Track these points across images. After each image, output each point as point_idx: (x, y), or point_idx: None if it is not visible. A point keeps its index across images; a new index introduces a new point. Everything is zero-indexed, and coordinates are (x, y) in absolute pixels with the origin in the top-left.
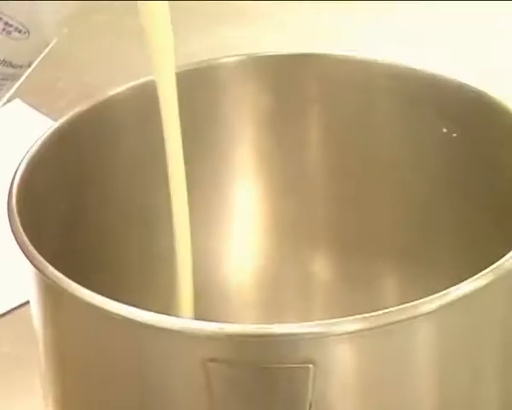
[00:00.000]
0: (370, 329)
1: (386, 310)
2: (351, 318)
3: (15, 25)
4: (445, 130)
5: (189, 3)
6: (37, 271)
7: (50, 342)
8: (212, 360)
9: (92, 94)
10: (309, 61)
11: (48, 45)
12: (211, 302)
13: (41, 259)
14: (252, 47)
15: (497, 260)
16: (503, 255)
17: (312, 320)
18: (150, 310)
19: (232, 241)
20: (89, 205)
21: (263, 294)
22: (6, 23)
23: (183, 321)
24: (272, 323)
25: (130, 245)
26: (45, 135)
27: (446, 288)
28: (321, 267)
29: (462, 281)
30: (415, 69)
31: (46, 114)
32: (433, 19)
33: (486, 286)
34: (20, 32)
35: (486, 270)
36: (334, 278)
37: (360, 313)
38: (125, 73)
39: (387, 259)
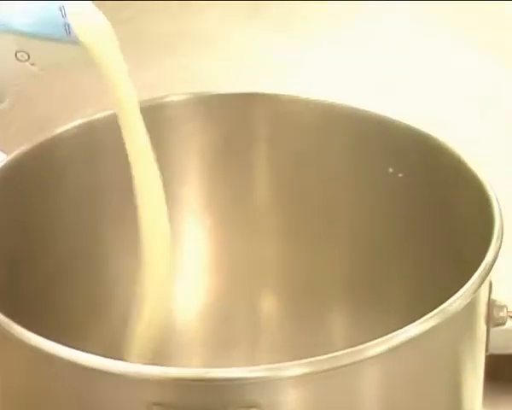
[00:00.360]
0: (316, 373)
1: (332, 354)
2: (297, 362)
3: None
4: (391, 170)
5: (136, 34)
6: None
7: None
8: (157, 404)
9: (40, 125)
10: (257, 101)
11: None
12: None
13: None
14: (198, 78)
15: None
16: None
17: (259, 362)
18: (96, 353)
19: (180, 279)
20: (35, 245)
21: (211, 333)
22: None
23: (128, 365)
24: (220, 363)
25: (77, 286)
26: None
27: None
28: (269, 307)
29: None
30: (362, 110)
31: None
32: (382, 61)
33: (432, 329)
34: None
35: (432, 313)
36: (282, 318)
37: (308, 355)
38: (74, 106)
39: (338, 299)
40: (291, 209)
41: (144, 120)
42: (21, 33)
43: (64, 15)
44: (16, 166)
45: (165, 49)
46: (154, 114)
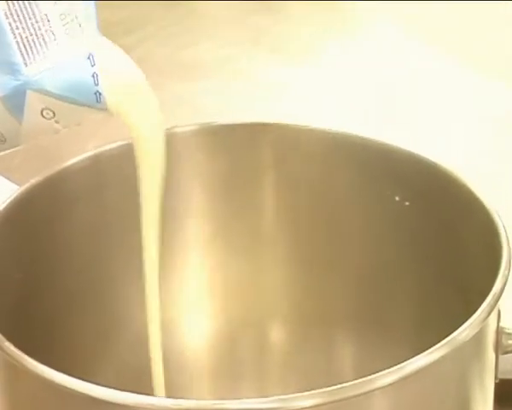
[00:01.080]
0: (326, 403)
1: (342, 385)
2: (308, 393)
3: None
4: (397, 198)
5: (138, 60)
6: None
7: None
8: None
9: (45, 156)
10: (263, 130)
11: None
12: (168, 373)
13: None
14: (198, 103)
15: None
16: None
17: (267, 391)
18: (103, 382)
19: (188, 310)
20: (43, 276)
21: (218, 361)
22: None
23: (139, 397)
24: (228, 392)
25: (84, 317)
26: (1, 206)
27: (405, 358)
28: (277, 335)
29: (422, 351)
30: (368, 139)
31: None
32: (381, 82)
33: (442, 359)
34: None
35: (441, 343)
36: (290, 347)
37: (316, 384)
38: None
39: (345, 327)
40: (298, 237)
41: None
42: (51, 94)
43: (96, 83)
44: (26, 198)
45: (167, 75)
46: None
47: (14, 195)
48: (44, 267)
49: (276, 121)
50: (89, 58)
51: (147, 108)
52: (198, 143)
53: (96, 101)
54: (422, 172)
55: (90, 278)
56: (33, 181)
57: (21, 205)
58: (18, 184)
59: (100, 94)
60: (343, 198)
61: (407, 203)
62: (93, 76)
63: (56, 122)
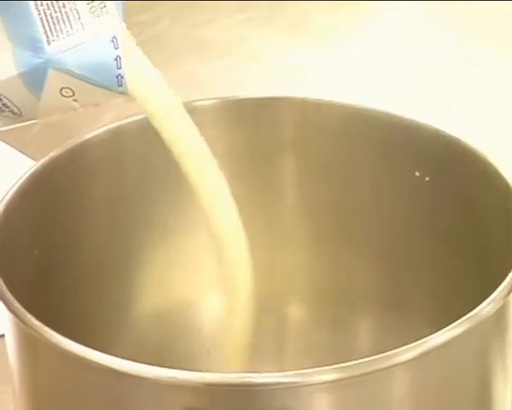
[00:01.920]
0: (347, 378)
1: (363, 360)
2: (327, 367)
3: (12, 107)
4: (417, 173)
5: (155, 37)
6: (15, 318)
7: (26, 388)
8: (190, 409)
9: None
10: (283, 104)
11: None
12: (183, 349)
13: (19, 306)
14: (217, 82)
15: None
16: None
17: (288, 367)
18: (123, 356)
19: (208, 288)
20: (62, 250)
21: None
22: (4, 104)
23: (162, 370)
24: (247, 368)
25: (103, 292)
26: (20, 181)
27: (424, 336)
28: (296, 313)
29: (441, 329)
30: (388, 114)
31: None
32: (398, 63)
33: (462, 335)
34: (14, 113)
35: (462, 319)
36: (308, 324)
37: (335, 361)
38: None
39: (363, 305)
40: (317, 215)
41: None
42: (72, 74)
43: (119, 67)
44: (46, 172)
45: (183, 53)
46: None
47: (33, 168)
48: (63, 242)
49: (296, 96)
50: (112, 40)
51: (164, 96)
52: (217, 117)
53: (117, 84)
54: (443, 148)
55: (108, 253)
56: (53, 154)
57: (41, 179)
58: (33, 159)
59: (122, 77)
60: (363, 174)
61: (427, 179)
62: (116, 59)
63: (75, 101)
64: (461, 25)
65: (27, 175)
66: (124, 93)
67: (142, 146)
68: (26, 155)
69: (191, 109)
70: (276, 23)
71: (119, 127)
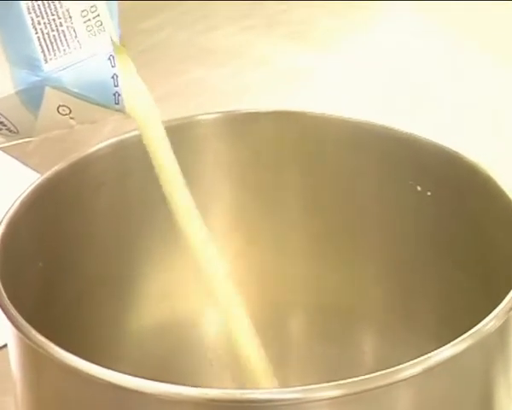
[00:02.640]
0: (350, 395)
1: (366, 376)
2: (331, 384)
3: (9, 125)
4: (419, 188)
5: (158, 45)
6: (19, 333)
7: (29, 402)
8: None
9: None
10: (285, 119)
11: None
12: (185, 362)
13: (23, 321)
14: (221, 89)
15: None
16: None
17: (289, 383)
18: (124, 370)
19: (210, 300)
20: (66, 263)
21: None
22: (1, 122)
23: (165, 386)
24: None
25: (106, 304)
26: (25, 193)
27: (428, 350)
28: (298, 325)
29: (444, 343)
30: (390, 128)
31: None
32: (397, 71)
33: (466, 350)
34: (11, 131)
35: (466, 334)
36: (311, 337)
37: (337, 375)
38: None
39: (367, 319)
40: (320, 228)
41: (173, 139)
42: (70, 92)
43: (116, 85)
44: (50, 185)
45: (187, 60)
46: (182, 134)
47: (38, 181)
48: (67, 254)
49: (299, 110)
50: (109, 59)
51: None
52: (220, 132)
53: (114, 102)
54: (444, 162)
55: (112, 265)
56: (57, 168)
57: (45, 192)
58: (36, 170)
59: (119, 95)
60: (366, 188)
61: (429, 193)
62: (113, 77)
63: (72, 118)
64: (466, 29)
65: (32, 188)
66: (121, 111)
67: (145, 159)
68: (28, 166)
69: (195, 123)
70: (278, 29)
71: (122, 141)
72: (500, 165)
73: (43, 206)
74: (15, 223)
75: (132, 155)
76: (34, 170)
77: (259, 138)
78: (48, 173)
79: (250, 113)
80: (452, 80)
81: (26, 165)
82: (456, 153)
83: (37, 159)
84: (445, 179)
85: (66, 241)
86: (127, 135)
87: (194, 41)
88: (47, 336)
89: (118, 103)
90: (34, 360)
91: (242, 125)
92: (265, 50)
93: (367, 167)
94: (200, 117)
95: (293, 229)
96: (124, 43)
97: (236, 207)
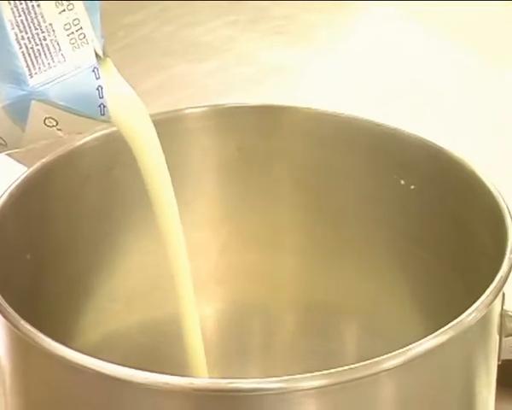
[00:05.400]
0: (334, 384)
1: (350, 366)
2: (315, 373)
3: None
4: (402, 182)
5: (142, 39)
6: (8, 323)
7: (18, 392)
8: None
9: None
10: (273, 113)
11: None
12: (172, 354)
13: (12, 311)
14: (205, 83)
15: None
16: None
17: (273, 372)
18: (120, 363)
19: (195, 293)
20: (54, 255)
21: (224, 342)
22: None
23: (153, 375)
24: (234, 372)
25: (93, 296)
26: (12, 186)
27: (411, 343)
28: (283, 318)
29: (428, 336)
30: (375, 123)
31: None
32: (383, 69)
33: (447, 342)
34: None
35: (447, 326)
36: (296, 331)
37: (322, 367)
38: None
39: (351, 312)
40: (305, 222)
41: (160, 132)
42: (55, 105)
43: (101, 96)
44: (39, 177)
45: (171, 55)
46: (170, 127)
47: (26, 174)
48: (54, 246)
49: (284, 104)
50: (93, 71)
51: (149, 136)
52: (208, 125)
53: (100, 113)
54: (428, 157)
55: (100, 258)
56: (44, 160)
57: (33, 184)
58: (22, 163)
59: (104, 107)
60: (350, 182)
61: (412, 187)
62: (98, 89)
63: (59, 130)
64: (447, 21)
65: (20, 180)
66: (107, 121)
67: (131, 152)
68: (14, 159)
69: (182, 117)
70: (261, 25)
71: (110, 134)
72: (484, 159)
73: (31, 198)
74: (3, 215)
75: (119, 147)
76: (20, 163)
77: (246, 132)
78: (35, 166)
79: (236, 107)
80: (434, 72)
81: (12, 157)
82: (441, 148)
83: (23, 152)
84: (428, 174)
85: (54, 233)
86: (114, 128)
87: (178, 36)
88: (35, 326)
89: (103, 114)
90: (23, 350)
91: (229, 118)
92: (249, 45)
93: (352, 161)
94: (186, 111)
95: (280, 223)
96: (108, 54)
97: (222, 202)
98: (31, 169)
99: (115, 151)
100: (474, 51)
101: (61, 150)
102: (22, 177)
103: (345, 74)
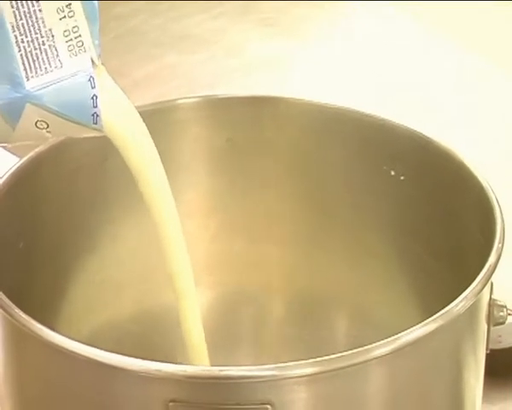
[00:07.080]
0: (325, 372)
1: (340, 354)
2: (306, 361)
3: None
4: (392, 173)
5: (133, 30)
6: (2, 311)
7: (12, 380)
8: (173, 401)
9: None
10: (263, 104)
11: None
12: (163, 339)
13: (6, 299)
14: (195, 74)
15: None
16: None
17: (264, 360)
18: (113, 351)
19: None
20: (47, 244)
21: (216, 331)
22: None
23: (146, 363)
24: (225, 360)
25: (85, 285)
26: (5, 176)
27: (399, 332)
28: (273, 307)
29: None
30: (365, 114)
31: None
32: (375, 60)
33: (436, 330)
34: None
35: (436, 315)
36: (286, 319)
37: (312, 355)
38: None
39: (342, 301)
40: (295, 213)
41: (151, 123)
42: (49, 110)
43: (95, 105)
44: (31, 166)
45: (162, 46)
46: (161, 118)
47: (19, 163)
48: (47, 235)
49: (275, 95)
50: (89, 80)
51: (139, 133)
52: (199, 115)
53: (92, 122)
54: (418, 148)
55: (92, 247)
56: (37, 150)
57: (26, 173)
58: (15, 154)
59: (97, 116)
60: (341, 173)
61: (402, 178)
62: (92, 98)
63: (48, 132)
64: (439, 17)
65: (13, 170)
66: (99, 130)
67: None
68: (6, 150)
69: (174, 107)
70: (250, 17)
71: None
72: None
73: (24, 188)
74: None
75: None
76: (13, 153)
77: (236, 123)
78: (28, 156)
79: (228, 98)
80: (423, 66)
81: (5, 149)
82: (430, 139)
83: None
84: (418, 165)
85: (47, 222)
86: None
87: (168, 28)
88: (28, 314)
89: (96, 123)
90: (17, 338)
91: (220, 109)
92: (238, 37)
93: (341, 152)
94: (178, 101)
95: (270, 213)
96: (104, 63)
97: (213, 193)
98: (24, 159)
99: (108, 142)
100: (473, 51)
101: (53, 141)
102: (15, 167)
103: (334, 66)
